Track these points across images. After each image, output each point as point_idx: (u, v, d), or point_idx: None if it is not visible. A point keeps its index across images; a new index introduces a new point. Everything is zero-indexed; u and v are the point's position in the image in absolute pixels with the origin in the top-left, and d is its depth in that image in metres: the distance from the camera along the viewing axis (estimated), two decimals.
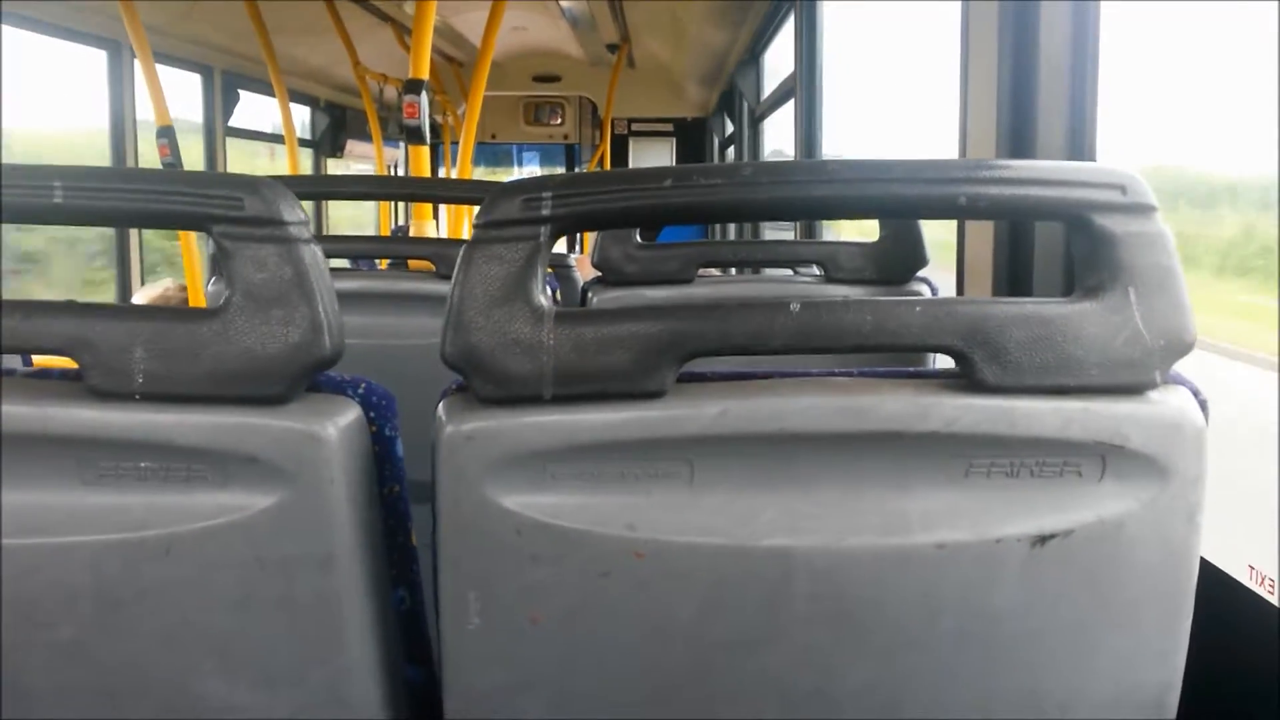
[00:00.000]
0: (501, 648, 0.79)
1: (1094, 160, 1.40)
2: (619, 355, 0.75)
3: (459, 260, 0.77)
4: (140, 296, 3.81)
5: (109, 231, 4.00)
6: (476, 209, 0.78)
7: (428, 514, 0.80)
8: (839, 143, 3.35)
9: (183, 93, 4.62)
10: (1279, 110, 1.19)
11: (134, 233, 4.01)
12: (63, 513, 0.78)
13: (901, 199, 0.77)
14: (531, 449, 0.75)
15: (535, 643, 0.79)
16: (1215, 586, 1.00)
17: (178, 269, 4.12)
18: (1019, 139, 1.45)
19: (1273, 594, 1.06)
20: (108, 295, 4.10)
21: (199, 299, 3.63)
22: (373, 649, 0.83)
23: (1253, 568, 1.09)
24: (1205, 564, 0.80)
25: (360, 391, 0.84)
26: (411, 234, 3.16)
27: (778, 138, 4.82)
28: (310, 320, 0.78)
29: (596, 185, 0.77)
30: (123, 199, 0.78)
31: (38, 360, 1.20)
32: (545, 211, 0.76)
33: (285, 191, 0.79)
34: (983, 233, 1.53)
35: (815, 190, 0.76)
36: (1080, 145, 1.40)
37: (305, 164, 6.10)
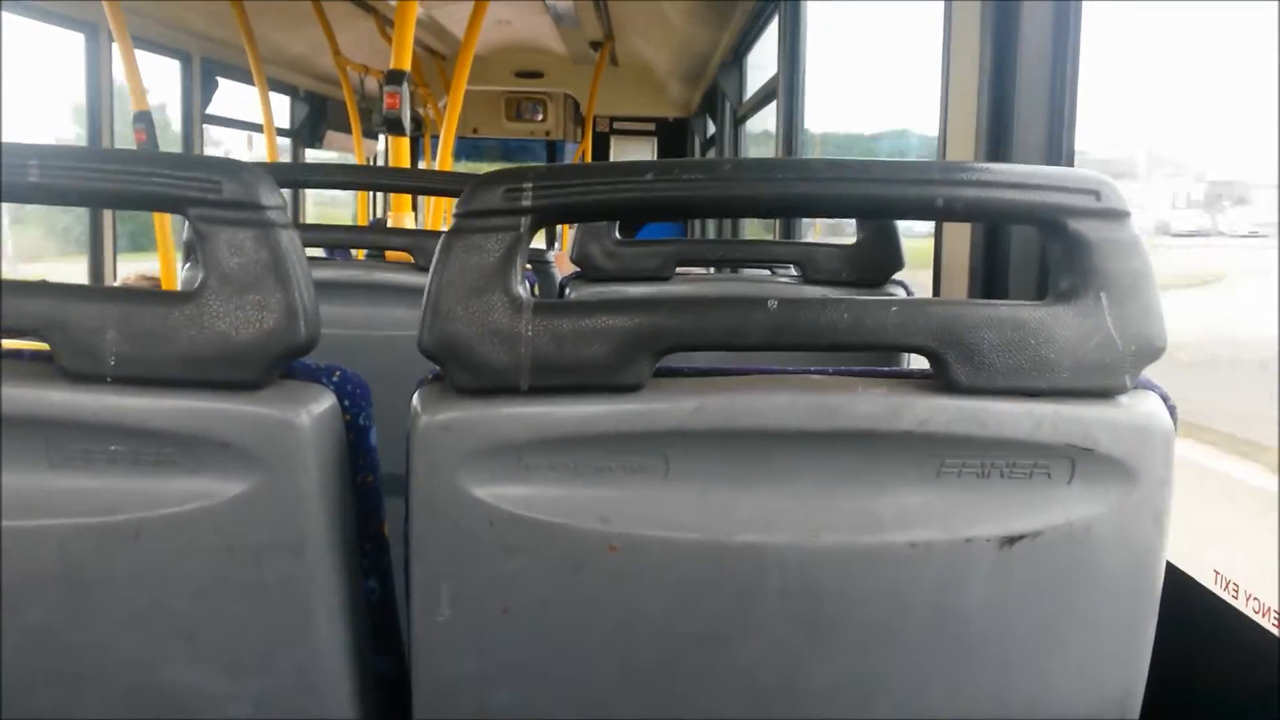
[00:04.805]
0: (472, 639, 0.79)
1: (1071, 164, 1.41)
2: (596, 348, 0.75)
3: (438, 249, 0.76)
4: None
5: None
6: (457, 200, 0.78)
7: (402, 507, 0.79)
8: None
9: (161, 80, 4.58)
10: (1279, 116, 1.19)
11: (108, 213, 3.97)
12: (31, 495, 0.77)
13: (880, 199, 0.77)
14: (507, 440, 0.75)
15: (506, 634, 0.79)
16: (1180, 589, 1.01)
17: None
18: (998, 141, 1.46)
19: (1236, 598, 1.07)
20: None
21: (172, 282, 3.59)
22: (341, 638, 0.82)
23: (1218, 573, 1.10)
24: (1170, 567, 0.81)
25: (335, 379, 0.83)
26: (390, 225, 3.14)
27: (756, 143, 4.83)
28: (285, 306, 0.77)
29: (578, 177, 0.77)
30: (99, 179, 0.77)
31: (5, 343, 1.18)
32: (526, 202, 0.75)
33: (264, 175, 0.78)
34: (960, 234, 1.54)
35: (794, 188, 0.76)
36: (1058, 148, 1.42)
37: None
